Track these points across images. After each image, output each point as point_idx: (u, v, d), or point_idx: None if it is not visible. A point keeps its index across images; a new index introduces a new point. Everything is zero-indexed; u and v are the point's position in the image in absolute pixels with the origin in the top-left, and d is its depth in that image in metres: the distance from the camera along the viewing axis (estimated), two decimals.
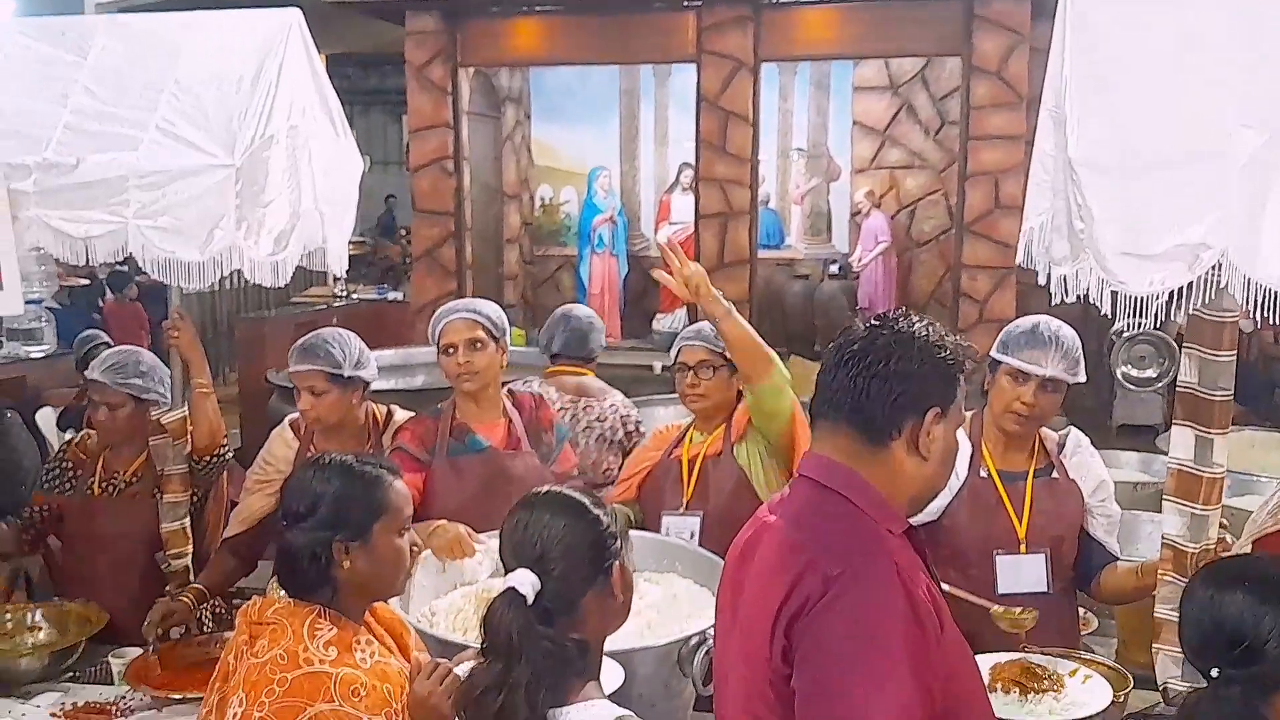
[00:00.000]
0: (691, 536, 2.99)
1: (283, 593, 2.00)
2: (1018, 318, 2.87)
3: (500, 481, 3.05)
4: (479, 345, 3.06)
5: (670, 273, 2.90)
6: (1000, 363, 2.75)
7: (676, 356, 3.16)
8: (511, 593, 1.67)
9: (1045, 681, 2.42)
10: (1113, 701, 2.38)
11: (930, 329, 1.68)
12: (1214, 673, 1.78)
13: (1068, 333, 2.74)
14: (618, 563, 1.76)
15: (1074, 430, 2.91)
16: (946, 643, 1.59)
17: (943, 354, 1.67)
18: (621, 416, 3.79)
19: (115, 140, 2.71)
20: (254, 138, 2.72)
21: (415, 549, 2.09)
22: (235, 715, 1.82)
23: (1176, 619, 2.25)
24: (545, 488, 1.86)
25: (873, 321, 1.71)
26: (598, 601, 1.74)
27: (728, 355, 3.04)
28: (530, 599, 1.66)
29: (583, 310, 4.08)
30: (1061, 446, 2.86)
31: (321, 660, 1.84)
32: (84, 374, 3.42)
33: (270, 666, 1.84)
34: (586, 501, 1.78)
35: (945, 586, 2.66)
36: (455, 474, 3.07)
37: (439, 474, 3.06)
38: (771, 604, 1.58)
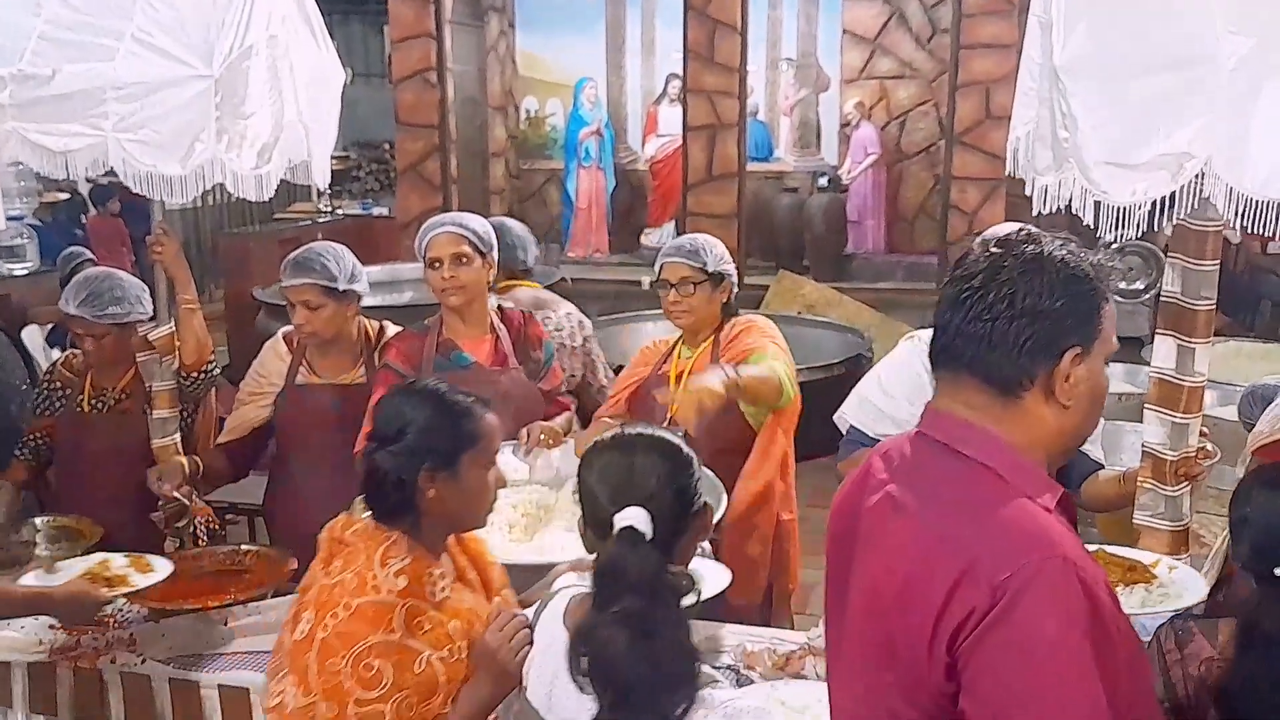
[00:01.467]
0: None
1: (367, 514, 1.98)
2: None
3: (486, 398, 3.06)
4: (465, 260, 3.04)
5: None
6: None
7: (659, 273, 3.17)
8: (630, 532, 1.62)
9: (1132, 573, 2.31)
10: None
11: (1064, 250, 1.42)
12: (1278, 571, 1.69)
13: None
14: (706, 500, 1.79)
15: None
16: (1135, 649, 1.37)
17: (1081, 282, 1.40)
18: (579, 322, 3.75)
19: (91, 50, 2.65)
20: (232, 48, 2.67)
21: (501, 484, 2.06)
22: (303, 632, 1.84)
23: (1155, 525, 2.31)
24: (636, 428, 1.83)
25: (993, 248, 1.44)
26: (691, 540, 1.76)
27: (709, 270, 3.08)
28: (649, 536, 1.63)
29: (517, 224, 4.03)
30: None
31: (390, 590, 1.83)
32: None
33: (339, 589, 1.84)
34: (679, 443, 1.78)
35: None
36: None
37: None
38: (924, 612, 1.34)
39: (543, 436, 2.95)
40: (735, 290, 3.22)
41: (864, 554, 1.49)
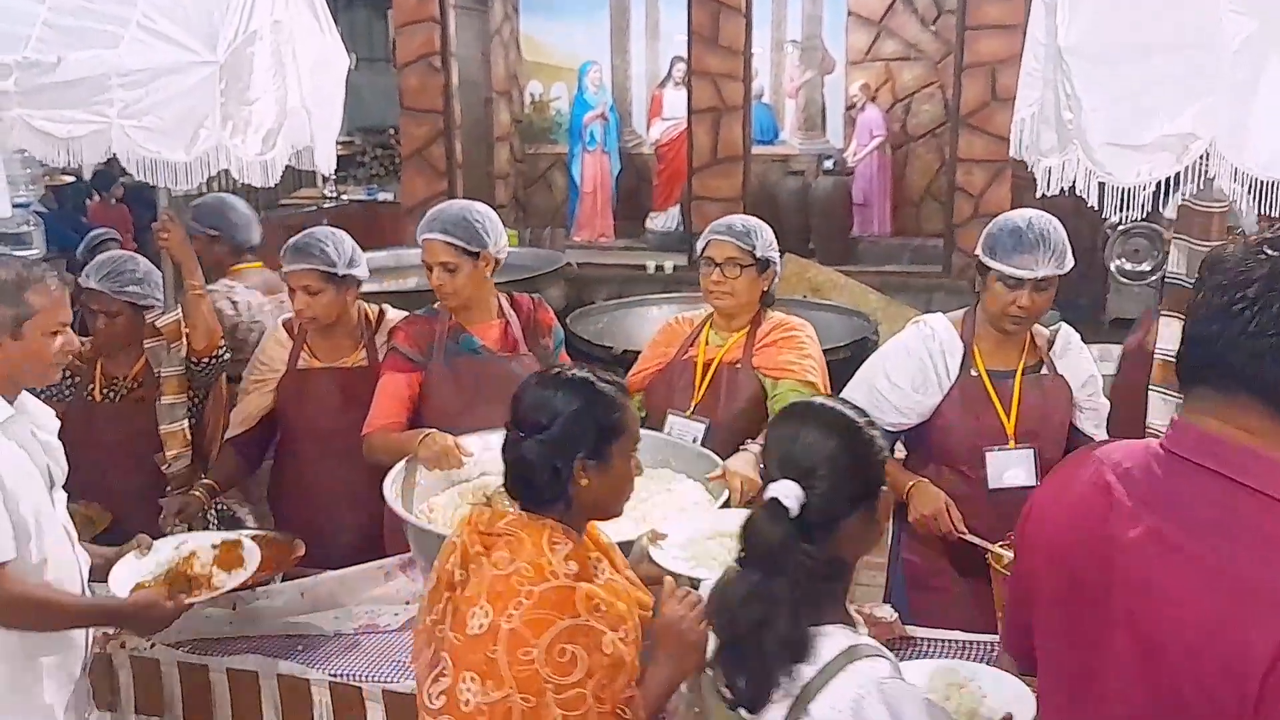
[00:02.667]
0: (695, 441, 2.97)
1: (509, 503, 1.99)
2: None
3: (495, 384, 3.04)
4: (452, 268, 2.99)
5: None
6: (990, 268, 2.73)
7: (704, 250, 3.06)
8: (774, 504, 1.63)
9: None
10: None
11: None
12: None
13: (1054, 228, 2.71)
14: (885, 488, 1.73)
15: (1064, 326, 2.93)
16: None
17: None
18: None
19: (96, 37, 2.66)
20: (237, 33, 2.67)
21: (638, 472, 2.05)
22: (482, 625, 1.81)
23: None
24: (819, 400, 1.81)
25: (1268, 249, 1.26)
26: (860, 524, 1.70)
27: (757, 254, 3.00)
28: (794, 511, 1.62)
29: (240, 202, 3.96)
30: (1051, 344, 2.88)
31: (566, 575, 1.84)
32: (78, 278, 3.40)
33: (516, 578, 1.83)
34: (861, 421, 1.72)
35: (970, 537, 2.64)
36: (452, 376, 3.07)
37: (434, 376, 3.07)
38: (1239, 671, 1.21)
39: None
40: (777, 279, 3.12)
41: (1128, 597, 1.34)
